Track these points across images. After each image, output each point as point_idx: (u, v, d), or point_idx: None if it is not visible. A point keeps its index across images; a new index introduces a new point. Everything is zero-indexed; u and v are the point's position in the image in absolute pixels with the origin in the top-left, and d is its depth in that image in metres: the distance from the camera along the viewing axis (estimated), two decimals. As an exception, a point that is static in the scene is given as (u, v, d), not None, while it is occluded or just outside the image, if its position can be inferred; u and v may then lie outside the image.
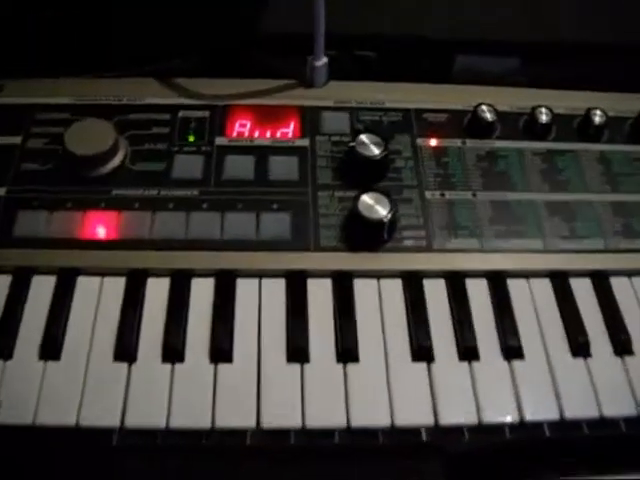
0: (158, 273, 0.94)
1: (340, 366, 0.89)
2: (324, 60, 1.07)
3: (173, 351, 0.88)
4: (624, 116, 1.11)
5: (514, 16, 1.09)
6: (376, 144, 0.99)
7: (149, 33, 1.07)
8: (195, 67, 1.08)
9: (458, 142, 1.06)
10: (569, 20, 1.10)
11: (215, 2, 1.05)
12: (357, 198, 0.94)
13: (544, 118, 1.05)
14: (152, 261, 0.94)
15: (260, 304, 0.93)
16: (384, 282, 0.96)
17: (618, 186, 1.05)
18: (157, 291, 0.93)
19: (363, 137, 0.99)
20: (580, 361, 0.91)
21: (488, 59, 1.12)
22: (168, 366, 0.88)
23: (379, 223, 0.94)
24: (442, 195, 1.00)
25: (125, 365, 0.87)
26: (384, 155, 0.98)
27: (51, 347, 0.88)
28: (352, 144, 0.99)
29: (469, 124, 1.07)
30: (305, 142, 1.04)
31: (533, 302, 0.96)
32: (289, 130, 1.05)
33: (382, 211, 0.94)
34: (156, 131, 1.04)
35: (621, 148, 1.08)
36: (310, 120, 1.06)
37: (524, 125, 1.08)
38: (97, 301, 0.93)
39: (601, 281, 0.98)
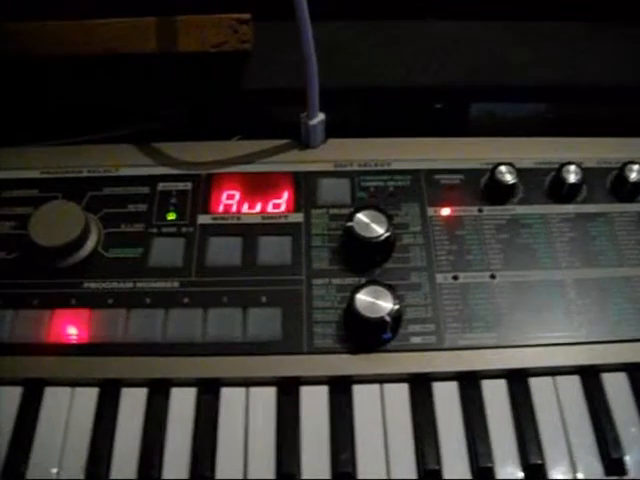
0: (133, 383, 0.84)
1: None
2: (320, 117, 0.93)
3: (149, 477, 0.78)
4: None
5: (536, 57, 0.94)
6: (378, 222, 0.87)
7: (125, 90, 0.95)
8: (176, 129, 0.95)
9: (474, 210, 0.92)
10: (596, 60, 0.95)
11: (195, 56, 0.91)
12: (354, 294, 0.82)
13: (572, 177, 0.91)
14: (126, 369, 0.84)
15: (247, 417, 0.83)
16: (388, 387, 0.84)
17: (661, 256, 0.90)
18: (132, 403, 0.84)
19: (361, 215, 0.87)
20: (614, 481, 0.78)
21: (506, 105, 0.97)
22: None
23: (380, 322, 0.81)
24: (455, 278, 0.88)
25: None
26: (387, 236, 0.85)
27: (15, 470, 0.79)
28: (350, 224, 0.86)
29: (486, 187, 0.93)
30: (299, 217, 0.91)
31: (559, 405, 0.83)
32: (282, 201, 0.92)
33: (384, 308, 0.83)
34: (132, 209, 0.92)
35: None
36: (305, 189, 0.94)
37: (550, 185, 0.94)
38: (67, 414, 0.83)
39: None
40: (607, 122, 0.97)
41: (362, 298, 0.83)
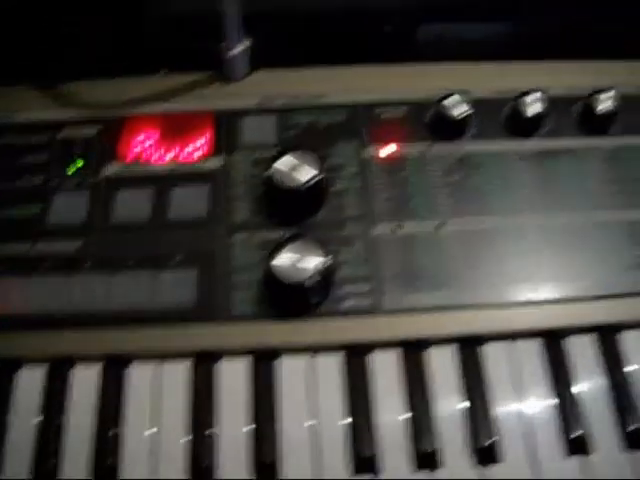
0: (31, 359, 0.74)
1: (257, 484, 0.67)
2: (241, 46, 0.80)
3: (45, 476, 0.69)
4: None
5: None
6: (303, 167, 0.74)
7: (18, 28, 0.82)
8: (80, 66, 0.81)
9: (419, 148, 0.79)
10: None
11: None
12: (272, 255, 0.70)
13: (533, 108, 0.78)
14: (23, 345, 0.74)
15: (161, 394, 0.73)
16: (318, 359, 0.73)
17: (633, 198, 0.77)
18: (30, 383, 0.74)
19: (283, 161, 0.75)
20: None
21: (459, 26, 0.83)
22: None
23: (301, 287, 0.70)
24: (397, 229, 0.75)
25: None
26: (313, 183, 0.73)
27: None
28: (270, 172, 0.73)
29: (434, 122, 0.80)
30: (218, 163, 0.79)
31: (518, 375, 0.71)
32: (202, 143, 0.80)
33: (306, 270, 0.71)
34: (30, 160, 0.80)
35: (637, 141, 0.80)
36: (227, 130, 0.81)
37: (507, 117, 0.81)
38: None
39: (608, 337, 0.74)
40: (577, 43, 0.82)
41: (281, 259, 0.71)
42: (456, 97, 0.79)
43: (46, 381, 0.74)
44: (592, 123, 0.81)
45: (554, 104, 0.82)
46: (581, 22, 0.85)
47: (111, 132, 0.83)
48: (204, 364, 0.74)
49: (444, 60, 0.85)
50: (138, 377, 0.74)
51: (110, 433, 0.71)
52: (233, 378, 0.74)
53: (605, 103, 0.79)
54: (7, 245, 0.78)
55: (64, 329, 0.74)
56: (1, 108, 0.84)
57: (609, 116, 0.80)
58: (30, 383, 0.74)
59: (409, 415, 0.71)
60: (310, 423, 0.71)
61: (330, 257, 0.72)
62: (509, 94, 0.82)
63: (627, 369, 0.73)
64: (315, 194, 0.76)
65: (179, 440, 0.71)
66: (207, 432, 0.71)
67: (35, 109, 0.84)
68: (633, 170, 0.80)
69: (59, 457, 0.70)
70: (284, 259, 0.71)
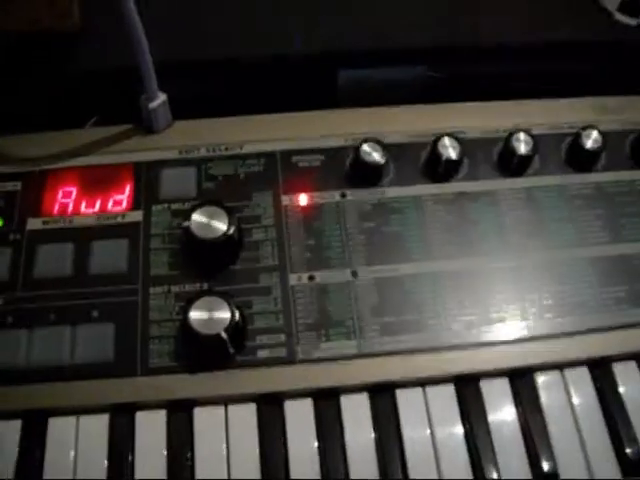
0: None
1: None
2: (160, 99, 0.81)
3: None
4: (561, 132, 0.82)
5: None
6: (219, 219, 0.75)
7: None
8: (3, 120, 0.82)
9: (336, 195, 0.81)
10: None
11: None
12: (187, 308, 0.71)
13: (450, 152, 0.79)
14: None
15: (77, 448, 0.73)
16: (233, 409, 0.73)
17: (548, 239, 0.78)
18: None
19: (199, 213, 0.75)
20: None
21: (380, 70, 0.84)
22: None
23: (216, 339, 0.71)
24: (311, 279, 0.77)
25: None
26: (228, 235, 0.74)
27: None
28: (186, 224, 0.74)
29: (351, 168, 0.81)
30: (138, 216, 0.81)
31: (429, 420, 0.72)
32: (123, 197, 0.81)
33: (220, 322, 0.72)
34: (-44, 217, 0.80)
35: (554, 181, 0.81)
36: (146, 182, 0.82)
37: (426, 161, 0.81)
38: None
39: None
40: (498, 83, 0.83)
41: (196, 312, 0.72)
42: (371, 144, 0.79)
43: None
44: (510, 164, 0.81)
45: (471, 146, 0.81)
46: (494, 66, 0.86)
47: (33, 186, 0.83)
48: (122, 417, 0.74)
49: (360, 105, 0.85)
50: (57, 431, 0.74)
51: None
52: (150, 430, 0.73)
53: (525, 144, 0.79)
54: None
55: (-17, 386, 0.74)
56: None
57: (528, 157, 0.80)
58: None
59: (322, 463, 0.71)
60: (224, 472, 0.71)
61: (241, 311, 0.74)
62: (424, 138, 0.82)
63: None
64: (231, 246, 0.77)
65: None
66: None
67: (-40, 165, 0.84)
68: (547, 210, 0.80)
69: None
70: (200, 312, 0.72)
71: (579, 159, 0.83)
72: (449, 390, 0.75)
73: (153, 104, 0.82)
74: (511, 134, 0.81)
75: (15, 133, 0.86)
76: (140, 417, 0.74)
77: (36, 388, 0.75)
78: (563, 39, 0.84)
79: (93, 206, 0.82)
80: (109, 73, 0.84)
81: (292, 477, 0.71)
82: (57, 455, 0.73)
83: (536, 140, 0.81)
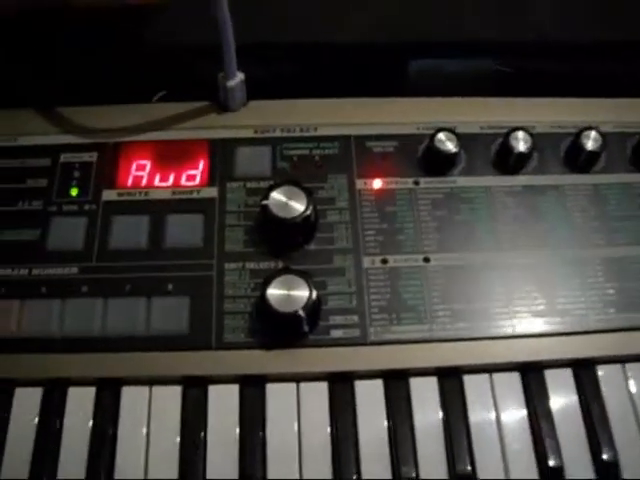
0: (26, 382, 0.75)
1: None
2: (238, 78, 0.82)
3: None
4: (627, 131, 0.84)
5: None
6: (297, 199, 0.77)
7: (22, 51, 0.84)
8: (82, 92, 0.83)
9: (409, 182, 0.82)
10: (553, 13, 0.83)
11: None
12: (265, 285, 0.72)
13: (522, 145, 0.80)
14: (19, 368, 0.76)
15: (149, 418, 0.75)
16: (305, 387, 0.75)
17: (613, 235, 0.79)
18: (26, 404, 0.75)
19: (278, 193, 0.77)
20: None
21: (451, 61, 0.86)
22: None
23: (293, 317, 0.72)
24: (384, 262, 0.78)
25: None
26: (305, 216, 0.75)
27: None
28: (265, 202, 0.76)
29: (424, 156, 0.83)
30: (213, 192, 0.82)
31: (495, 406, 0.73)
32: (197, 173, 0.82)
33: (298, 300, 0.73)
34: (31, 184, 0.83)
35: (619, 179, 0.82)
36: (222, 159, 0.83)
37: (496, 153, 0.83)
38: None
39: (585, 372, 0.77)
40: (566, 80, 0.85)
41: (274, 289, 0.74)
42: (446, 133, 0.81)
43: (41, 405, 0.75)
44: (577, 160, 0.82)
45: (541, 140, 0.83)
46: (566, 61, 0.87)
47: (108, 158, 0.84)
48: (194, 390, 0.75)
49: (435, 95, 0.87)
50: (130, 401, 0.75)
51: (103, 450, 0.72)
52: (221, 404, 0.75)
53: (591, 141, 0.81)
54: (5, 268, 0.79)
55: (58, 352, 0.76)
56: (3, 131, 0.85)
57: (595, 153, 0.81)
58: (25, 405, 0.75)
59: (391, 443, 0.73)
60: (295, 449, 0.73)
61: (318, 289, 0.75)
62: (497, 130, 0.84)
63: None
64: (307, 226, 0.78)
65: (169, 463, 0.72)
66: (196, 455, 0.72)
67: (36, 133, 0.86)
68: (614, 207, 0.82)
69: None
70: (278, 289, 0.73)
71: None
72: (514, 377, 0.76)
73: (231, 82, 0.83)
74: (580, 131, 0.82)
75: (89, 105, 0.86)
76: (213, 391, 0.75)
77: (110, 357, 0.76)
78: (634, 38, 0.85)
79: (167, 180, 0.83)
80: (188, 50, 0.84)
81: (362, 455, 0.72)
82: (129, 425, 0.74)
83: (604, 138, 0.82)
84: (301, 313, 0.73)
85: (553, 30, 0.85)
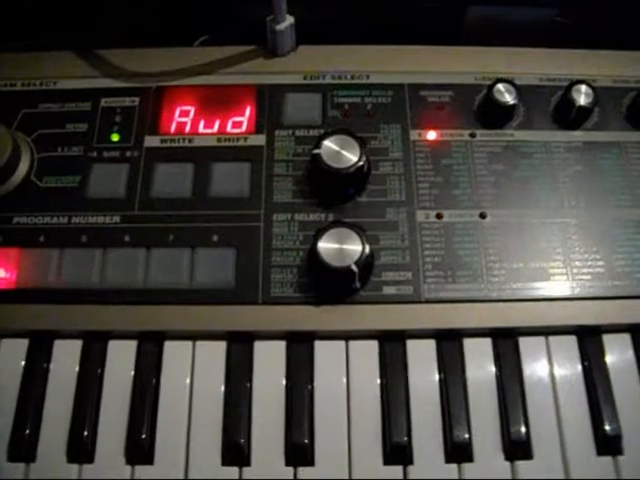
0: (66, 334, 0.73)
1: (290, 470, 0.68)
2: (288, 21, 0.79)
3: (80, 449, 0.69)
4: None
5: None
6: (350, 149, 0.74)
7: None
8: (123, 34, 0.80)
9: (465, 134, 0.79)
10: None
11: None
12: (317, 238, 0.70)
13: (583, 99, 0.76)
14: (59, 319, 0.74)
15: (193, 376, 0.71)
16: (354, 345, 0.72)
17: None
18: (65, 357, 0.74)
19: (330, 142, 0.74)
20: (607, 460, 0.69)
21: (509, 8, 0.81)
22: (75, 467, 0.69)
23: (346, 272, 0.69)
24: (439, 217, 0.75)
25: (21, 466, 0.69)
26: (359, 166, 0.72)
27: None
28: (316, 151, 0.73)
29: (481, 108, 0.79)
30: (261, 140, 0.79)
31: (551, 373, 0.70)
32: (243, 119, 0.79)
33: (351, 255, 0.71)
34: (71, 129, 0.80)
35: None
36: (270, 105, 0.80)
37: (556, 107, 0.79)
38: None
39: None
40: (630, 31, 0.81)
41: (325, 242, 0.71)
42: (504, 84, 0.77)
43: (81, 358, 0.73)
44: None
45: (603, 94, 0.80)
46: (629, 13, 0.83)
47: (151, 102, 0.82)
48: (239, 345, 0.73)
49: (491, 44, 0.83)
50: (173, 354, 0.73)
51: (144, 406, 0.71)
52: (268, 360, 0.73)
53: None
54: (46, 216, 0.76)
55: (98, 304, 0.73)
56: (42, 74, 0.83)
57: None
58: (64, 357, 0.73)
59: (443, 404, 0.71)
60: (343, 408, 0.70)
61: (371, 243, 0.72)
62: (556, 83, 0.81)
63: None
64: (359, 177, 0.75)
65: (213, 418, 0.70)
66: (241, 412, 0.70)
67: (76, 77, 0.83)
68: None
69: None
70: (330, 243, 0.70)
71: None
72: (572, 340, 0.73)
73: (280, 26, 0.80)
74: (645, 84, 0.79)
75: (130, 47, 0.83)
76: (259, 347, 0.72)
77: (153, 309, 0.74)
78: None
79: (212, 127, 0.80)
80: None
81: (413, 411, 0.70)
82: (173, 379, 0.72)
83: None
84: (354, 268, 0.70)
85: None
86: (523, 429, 0.69)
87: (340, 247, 0.71)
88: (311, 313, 0.73)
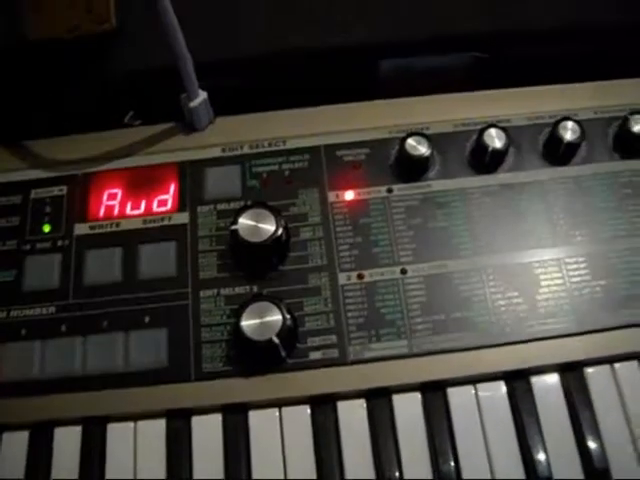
0: (12, 426, 0.76)
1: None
2: (201, 97, 0.81)
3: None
4: (606, 117, 0.80)
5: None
6: (266, 221, 0.75)
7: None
8: (48, 124, 0.83)
9: (382, 191, 0.80)
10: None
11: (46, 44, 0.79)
12: (239, 316, 0.72)
13: (496, 142, 0.77)
14: (3, 413, 0.76)
15: (135, 453, 0.75)
16: (287, 411, 0.74)
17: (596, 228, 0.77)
18: (12, 449, 0.76)
19: (245, 217, 0.75)
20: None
21: (423, 58, 0.83)
22: None
23: (269, 345, 0.71)
24: (360, 277, 0.76)
25: None
26: (275, 238, 0.74)
27: None
28: (233, 227, 0.75)
29: (397, 162, 0.80)
30: (184, 217, 0.81)
31: (480, 417, 0.72)
32: (168, 197, 0.81)
33: (272, 327, 0.72)
34: (3, 223, 0.82)
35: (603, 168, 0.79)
36: (191, 182, 0.82)
37: (471, 152, 0.80)
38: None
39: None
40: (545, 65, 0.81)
41: (247, 319, 0.73)
42: (416, 137, 0.78)
43: (28, 448, 0.75)
44: (557, 153, 0.79)
45: (518, 134, 0.80)
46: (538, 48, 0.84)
47: (79, 190, 0.83)
48: (178, 421, 0.75)
49: (401, 95, 0.84)
50: (116, 437, 0.75)
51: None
52: (205, 434, 0.75)
53: (571, 132, 0.78)
54: (-17, 312, 0.79)
55: (41, 394, 0.76)
56: (-26, 170, 0.85)
57: (574, 145, 0.78)
58: (12, 449, 0.75)
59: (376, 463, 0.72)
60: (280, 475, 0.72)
61: (292, 313, 0.75)
62: (470, 127, 0.81)
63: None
64: (279, 247, 0.77)
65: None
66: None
67: (5, 170, 0.85)
68: (595, 200, 0.79)
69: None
70: (251, 319, 0.72)
71: (627, 145, 0.80)
72: (500, 387, 0.74)
73: (194, 103, 0.82)
74: (557, 122, 0.79)
75: (55, 136, 0.85)
76: (196, 421, 0.74)
77: (93, 395, 0.76)
78: (612, 21, 0.81)
79: (139, 207, 0.82)
80: (148, 73, 0.83)
81: (347, 473, 0.71)
82: (117, 460, 0.74)
83: (583, 127, 0.79)
84: (275, 340, 0.72)
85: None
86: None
87: (261, 321, 0.73)
88: (243, 385, 0.75)
